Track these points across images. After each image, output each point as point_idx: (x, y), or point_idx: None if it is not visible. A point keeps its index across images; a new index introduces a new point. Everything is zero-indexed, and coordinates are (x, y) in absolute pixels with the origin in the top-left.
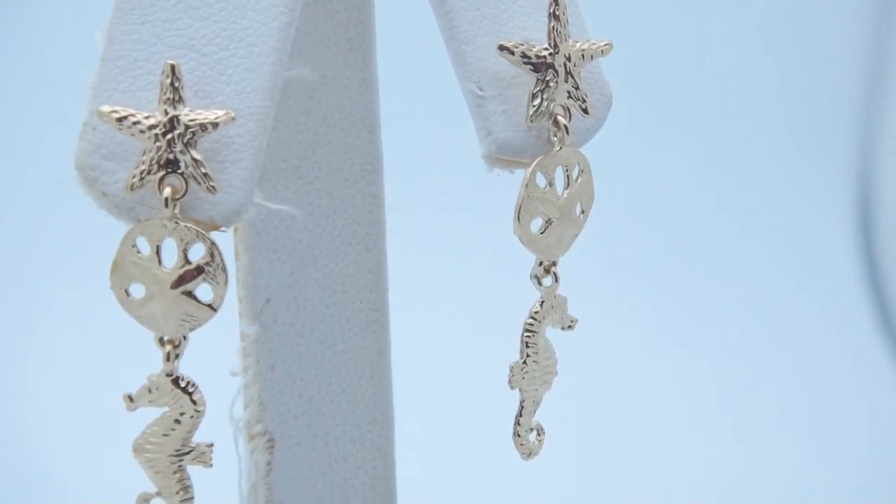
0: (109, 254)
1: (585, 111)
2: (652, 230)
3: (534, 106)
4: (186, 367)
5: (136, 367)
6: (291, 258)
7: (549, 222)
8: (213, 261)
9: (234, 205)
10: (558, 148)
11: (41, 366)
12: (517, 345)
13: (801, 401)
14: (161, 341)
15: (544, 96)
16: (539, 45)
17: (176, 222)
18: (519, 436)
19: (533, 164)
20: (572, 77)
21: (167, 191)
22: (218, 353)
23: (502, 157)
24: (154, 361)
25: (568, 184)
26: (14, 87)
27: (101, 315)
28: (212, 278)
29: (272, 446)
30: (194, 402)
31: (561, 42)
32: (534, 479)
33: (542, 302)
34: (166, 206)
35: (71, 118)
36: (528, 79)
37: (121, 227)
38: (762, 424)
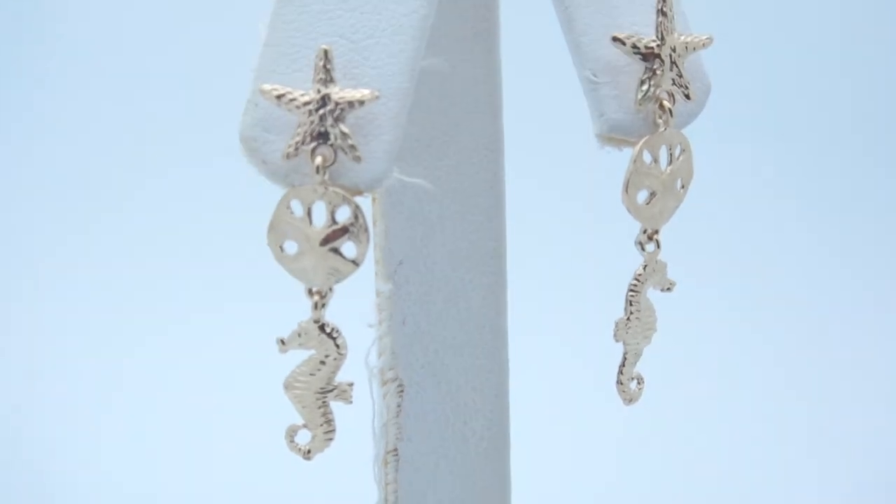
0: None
1: (688, 97)
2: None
3: (642, 91)
4: (330, 318)
5: (139, 368)
6: (422, 226)
7: (653, 194)
8: (356, 222)
9: (376, 173)
10: (663, 129)
11: (43, 368)
12: (622, 303)
13: None
14: (310, 292)
15: (651, 83)
16: (648, 37)
17: (325, 187)
18: (622, 384)
19: (640, 143)
20: (677, 66)
21: (318, 159)
22: (356, 308)
23: (613, 136)
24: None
25: (671, 161)
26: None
27: (104, 318)
28: (355, 237)
29: (402, 391)
30: (338, 346)
31: (667, 35)
32: (632, 425)
33: (645, 266)
34: (317, 172)
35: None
36: (638, 67)
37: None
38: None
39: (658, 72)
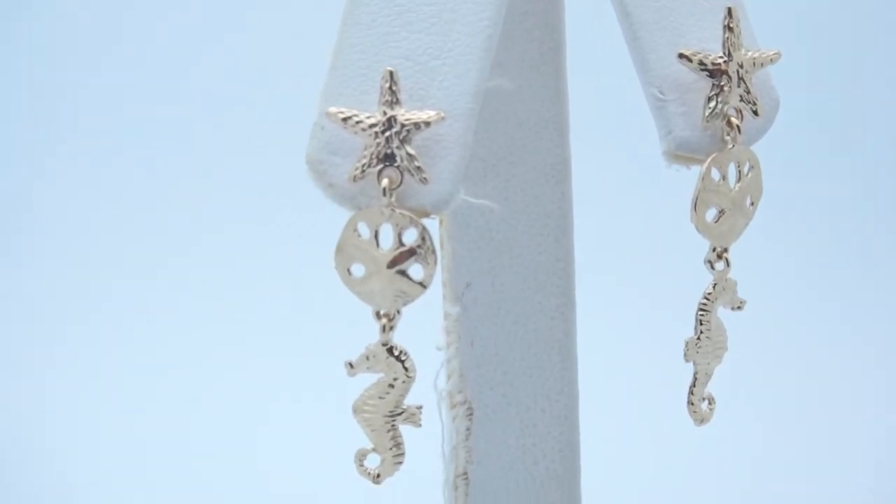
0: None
1: (756, 113)
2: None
3: (709, 108)
4: (399, 341)
5: (145, 372)
6: (489, 247)
7: (721, 212)
8: (424, 244)
9: (443, 194)
10: (731, 146)
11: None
12: (692, 322)
13: None
14: (378, 315)
15: (719, 99)
16: (714, 53)
17: (392, 209)
18: (692, 404)
19: (708, 160)
20: (744, 82)
21: (385, 182)
22: (424, 330)
23: (681, 153)
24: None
25: (739, 178)
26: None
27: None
28: (423, 259)
29: (471, 414)
30: (406, 369)
31: (734, 51)
32: (704, 445)
33: (715, 284)
34: (384, 195)
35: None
36: (705, 84)
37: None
38: None
39: (725, 88)
